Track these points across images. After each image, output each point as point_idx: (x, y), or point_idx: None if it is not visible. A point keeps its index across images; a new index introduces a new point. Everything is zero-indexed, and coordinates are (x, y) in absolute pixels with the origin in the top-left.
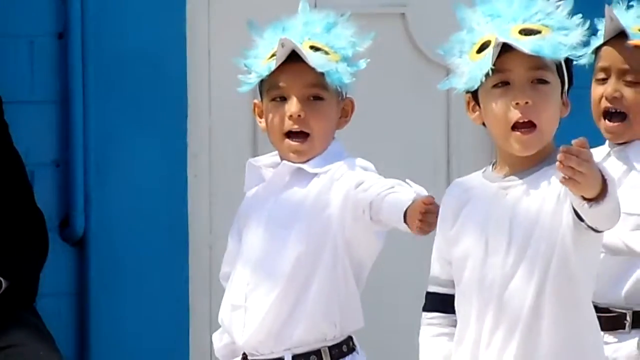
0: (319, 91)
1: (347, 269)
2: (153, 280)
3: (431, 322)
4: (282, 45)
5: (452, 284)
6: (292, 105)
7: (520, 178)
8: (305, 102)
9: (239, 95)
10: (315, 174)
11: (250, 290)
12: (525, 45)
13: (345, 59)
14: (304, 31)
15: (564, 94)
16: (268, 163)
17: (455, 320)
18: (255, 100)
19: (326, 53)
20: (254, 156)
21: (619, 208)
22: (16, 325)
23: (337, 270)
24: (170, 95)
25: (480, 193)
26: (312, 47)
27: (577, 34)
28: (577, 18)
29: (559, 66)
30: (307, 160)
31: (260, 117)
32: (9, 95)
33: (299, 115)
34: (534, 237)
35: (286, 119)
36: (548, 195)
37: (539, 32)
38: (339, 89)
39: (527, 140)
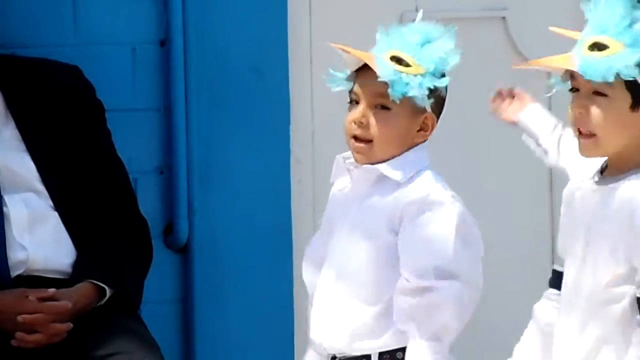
0: (385, 101)
1: None
2: (257, 285)
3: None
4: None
5: None
6: (357, 112)
7: (607, 183)
8: (372, 110)
9: (341, 100)
10: (397, 184)
11: (333, 299)
12: (581, 67)
13: (430, 73)
14: (396, 41)
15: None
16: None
17: None
18: None
19: (407, 65)
20: None
21: None
22: (121, 333)
23: None
24: (272, 101)
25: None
26: (392, 58)
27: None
28: None
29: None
30: (376, 163)
31: None
32: (112, 103)
33: (361, 122)
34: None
35: (352, 123)
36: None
37: (607, 47)
38: (415, 102)
39: (583, 145)
